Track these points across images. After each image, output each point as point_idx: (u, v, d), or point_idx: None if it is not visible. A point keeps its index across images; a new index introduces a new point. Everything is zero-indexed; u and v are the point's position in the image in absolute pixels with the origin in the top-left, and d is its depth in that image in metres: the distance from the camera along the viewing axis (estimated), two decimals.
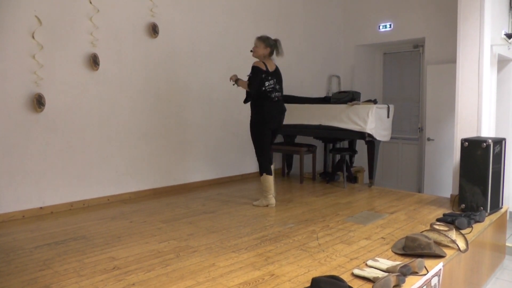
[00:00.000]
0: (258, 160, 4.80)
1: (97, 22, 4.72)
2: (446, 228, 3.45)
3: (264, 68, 4.64)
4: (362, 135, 5.69)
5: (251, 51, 4.73)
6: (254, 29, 6.48)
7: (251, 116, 4.81)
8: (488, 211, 4.33)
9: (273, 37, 4.71)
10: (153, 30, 5.23)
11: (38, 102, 4.30)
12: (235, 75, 4.82)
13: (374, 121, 5.61)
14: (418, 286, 2.56)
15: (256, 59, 4.72)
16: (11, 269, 2.99)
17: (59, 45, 4.48)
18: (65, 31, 4.51)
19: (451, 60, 5.95)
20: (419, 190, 7.26)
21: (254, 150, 4.84)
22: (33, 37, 4.25)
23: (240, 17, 6.30)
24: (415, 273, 2.81)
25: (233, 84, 4.83)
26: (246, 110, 6.49)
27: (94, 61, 4.71)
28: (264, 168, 4.76)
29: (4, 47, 4.11)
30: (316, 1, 7.59)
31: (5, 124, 4.16)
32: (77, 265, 3.05)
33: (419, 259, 2.87)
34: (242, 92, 6.34)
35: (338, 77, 8.07)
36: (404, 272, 2.74)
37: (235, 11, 6.23)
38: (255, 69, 4.65)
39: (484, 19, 4.71)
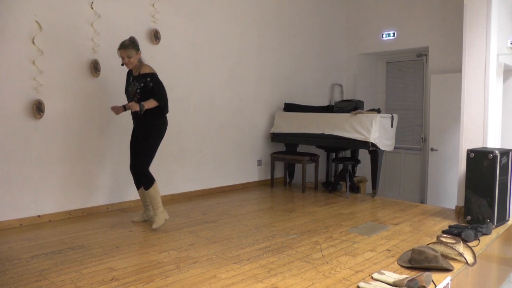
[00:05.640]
0: (146, 171, 4.17)
1: (98, 28, 4.67)
2: (453, 241, 3.37)
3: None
4: (365, 144, 5.61)
5: (122, 64, 4.16)
6: (256, 37, 6.46)
7: (148, 125, 4.14)
8: (495, 223, 4.26)
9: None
10: (155, 36, 5.18)
11: (38, 109, 4.24)
12: (133, 106, 3.99)
13: (378, 131, 5.54)
14: None
15: (141, 67, 4.19)
16: (6, 279, 2.90)
17: (60, 51, 4.43)
18: (65, 36, 4.46)
19: (455, 69, 5.93)
20: (422, 201, 7.18)
21: (145, 162, 4.18)
22: (33, 42, 4.20)
23: (242, 24, 6.26)
24: (422, 287, 2.73)
25: (141, 113, 4.04)
26: (247, 118, 6.47)
27: (94, 68, 4.65)
28: (152, 177, 4.22)
29: (3, 52, 4.05)
30: (319, 9, 7.56)
31: (4, 130, 4.09)
32: (74, 275, 2.97)
33: (427, 273, 2.80)
34: (243, 100, 6.37)
35: (340, 85, 8.02)
36: (411, 286, 2.67)
37: (237, 19, 6.19)
38: (156, 77, 4.14)
39: (490, 28, 4.66)
